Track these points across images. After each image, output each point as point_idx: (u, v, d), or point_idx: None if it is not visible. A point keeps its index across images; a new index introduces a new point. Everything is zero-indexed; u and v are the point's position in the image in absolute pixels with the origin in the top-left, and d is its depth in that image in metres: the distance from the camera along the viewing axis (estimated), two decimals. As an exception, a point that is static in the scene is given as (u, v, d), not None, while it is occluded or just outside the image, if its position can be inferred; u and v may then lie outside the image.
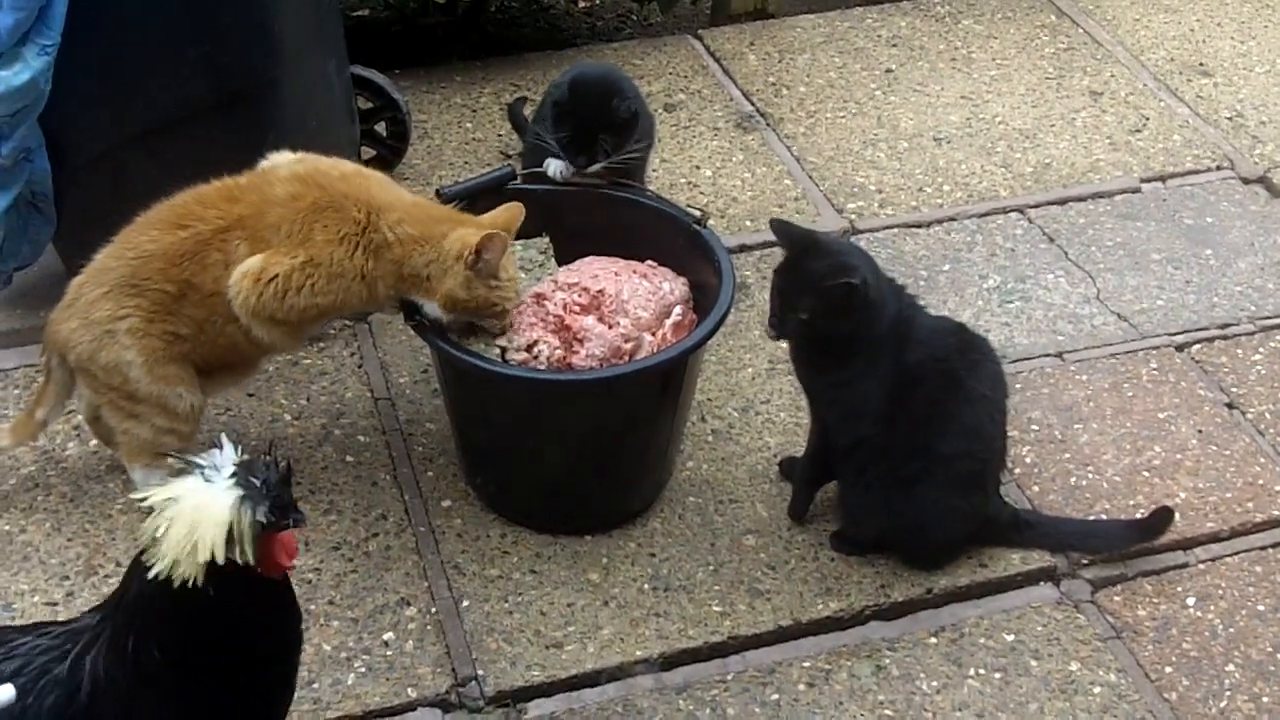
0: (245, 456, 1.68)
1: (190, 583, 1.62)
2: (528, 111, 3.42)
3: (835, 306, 2.31)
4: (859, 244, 3.20)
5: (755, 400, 2.84)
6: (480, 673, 2.31)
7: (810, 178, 3.46)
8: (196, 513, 1.62)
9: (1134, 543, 2.55)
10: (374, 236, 2.35)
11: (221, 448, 1.68)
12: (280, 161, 2.46)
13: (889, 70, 3.87)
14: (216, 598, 1.64)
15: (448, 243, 2.35)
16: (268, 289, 2.31)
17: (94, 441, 2.63)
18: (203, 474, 1.65)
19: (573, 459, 2.52)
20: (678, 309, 2.53)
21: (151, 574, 1.64)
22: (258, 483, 1.64)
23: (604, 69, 3.02)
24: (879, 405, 2.39)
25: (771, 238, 2.46)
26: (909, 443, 2.41)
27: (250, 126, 2.72)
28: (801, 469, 2.60)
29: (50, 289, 2.95)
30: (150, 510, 1.65)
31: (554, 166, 2.64)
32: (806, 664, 2.37)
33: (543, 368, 2.40)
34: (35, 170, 2.64)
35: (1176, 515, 2.54)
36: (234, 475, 1.64)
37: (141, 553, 1.67)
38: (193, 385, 2.42)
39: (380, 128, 3.34)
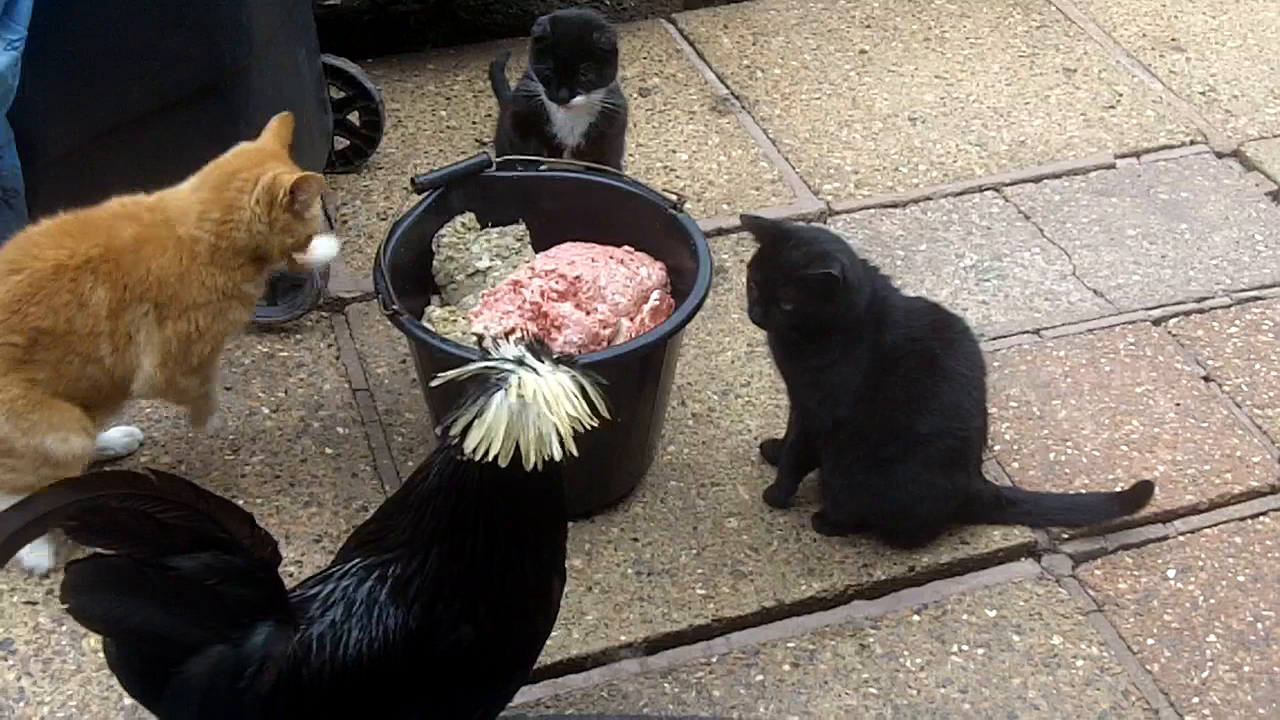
0: (517, 345, 1.75)
1: (538, 464, 1.71)
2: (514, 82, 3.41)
3: (817, 295, 2.31)
4: (835, 226, 3.23)
5: (735, 383, 2.84)
6: (465, 661, 2.31)
7: (786, 160, 3.46)
8: (547, 399, 1.69)
9: (1116, 515, 2.56)
10: (197, 249, 2.30)
11: (497, 345, 1.76)
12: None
13: (863, 51, 3.87)
14: (543, 477, 1.74)
15: (246, 196, 2.27)
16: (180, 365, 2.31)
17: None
18: (516, 371, 1.71)
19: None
20: (655, 294, 2.53)
21: (471, 452, 1.71)
22: (553, 358, 1.74)
23: (585, 9, 3.07)
24: (857, 387, 2.39)
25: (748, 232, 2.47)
26: (888, 423, 2.41)
27: (221, 118, 2.70)
28: (785, 457, 2.60)
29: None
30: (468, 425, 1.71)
31: (580, 99, 2.74)
32: (791, 644, 2.38)
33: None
34: (4, 166, 2.61)
35: (1156, 488, 2.55)
36: (536, 360, 1.73)
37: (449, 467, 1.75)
38: (75, 425, 2.29)
39: (353, 117, 3.33)
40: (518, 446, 1.71)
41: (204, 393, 2.45)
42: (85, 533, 1.72)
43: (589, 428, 1.72)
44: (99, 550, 1.74)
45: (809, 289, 2.31)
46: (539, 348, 1.76)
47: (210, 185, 2.33)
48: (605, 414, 1.74)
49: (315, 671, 1.77)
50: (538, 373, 1.72)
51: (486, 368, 1.73)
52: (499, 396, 1.71)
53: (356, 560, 1.84)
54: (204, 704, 1.75)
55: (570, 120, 2.83)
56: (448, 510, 1.78)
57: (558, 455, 1.71)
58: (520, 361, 1.73)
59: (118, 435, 2.59)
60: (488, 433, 1.71)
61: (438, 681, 1.82)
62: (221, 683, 1.74)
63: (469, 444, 1.72)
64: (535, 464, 1.71)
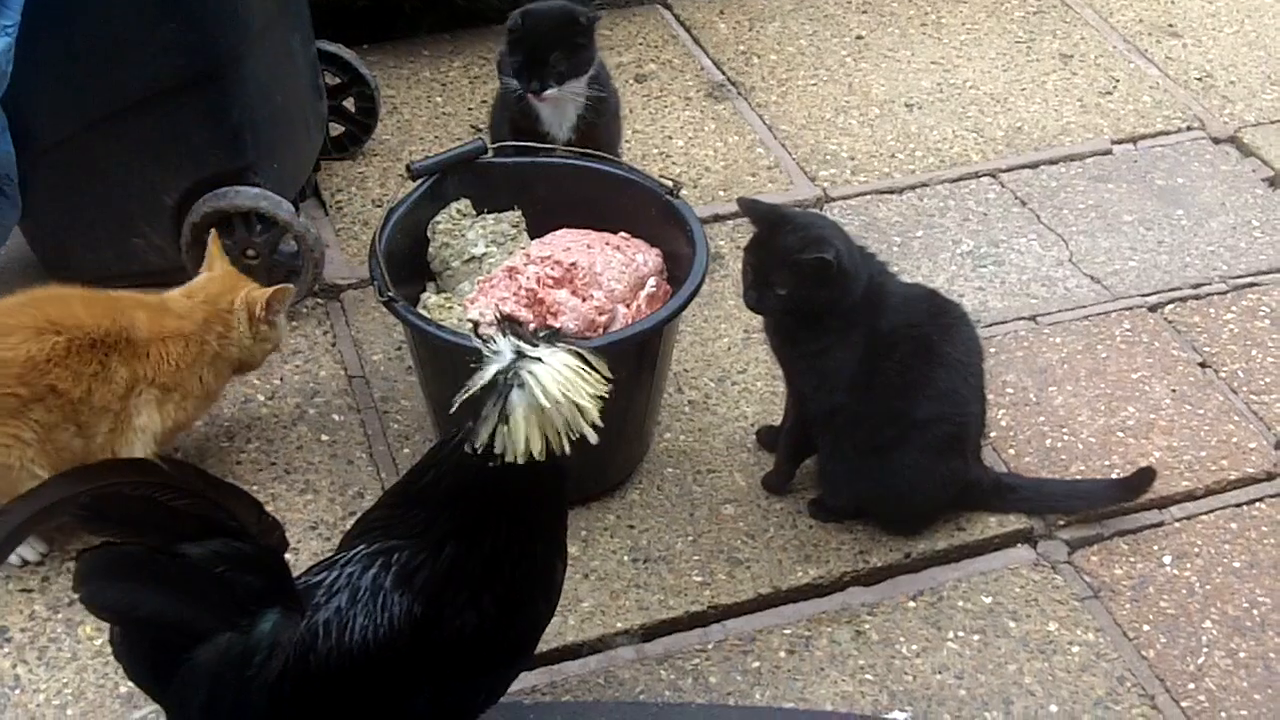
0: (505, 337, 1.74)
1: (542, 453, 1.72)
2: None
3: (812, 280, 2.31)
4: (831, 212, 3.23)
5: (731, 370, 2.84)
6: (461, 648, 2.31)
7: (783, 146, 3.46)
8: (564, 384, 1.69)
9: (1117, 501, 2.56)
10: (205, 349, 2.46)
11: (494, 339, 1.74)
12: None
13: (859, 37, 3.86)
14: (547, 469, 1.75)
15: (234, 315, 2.47)
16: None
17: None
18: (517, 362, 1.71)
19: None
20: (651, 280, 2.52)
21: (510, 457, 1.71)
22: (540, 337, 1.74)
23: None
24: (852, 373, 2.39)
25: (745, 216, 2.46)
26: (885, 409, 2.41)
27: (215, 105, 2.70)
28: (782, 444, 2.60)
29: (18, 272, 2.95)
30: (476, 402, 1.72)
31: (551, 90, 2.72)
32: (787, 631, 2.38)
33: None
34: None
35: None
36: (529, 346, 1.72)
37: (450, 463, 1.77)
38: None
39: (349, 104, 3.32)
40: (547, 440, 1.72)
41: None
42: (97, 521, 1.72)
43: (606, 396, 1.74)
44: (108, 539, 1.74)
45: (803, 274, 2.30)
46: (521, 331, 1.75)
47: (206, 298, 2.50)
48: (608, 376, 1.75)
49: (322, 658, 1.78)
50: (540, 359, 1.71)
51: (496, 375, 1.71)
52: (517, 395, 1.70)
53: (361, 547, 1.84)
54: (212, 691, 1.76)
55: (556, 113, 2.80)
56: (469, 510, 1.79)
57: (591, 436, 1.73)
58: (519, 354, 1.72)
59: None
60: (519, 434, 1.71)
61: (443, 666, 1.82)
62: (230, 670, 1.75)
63: (501, 447, 1.71)
64: (564, 449, 1.73)
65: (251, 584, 1.76)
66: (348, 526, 2.44)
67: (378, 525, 1.87)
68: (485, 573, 1.80)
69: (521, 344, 1.73)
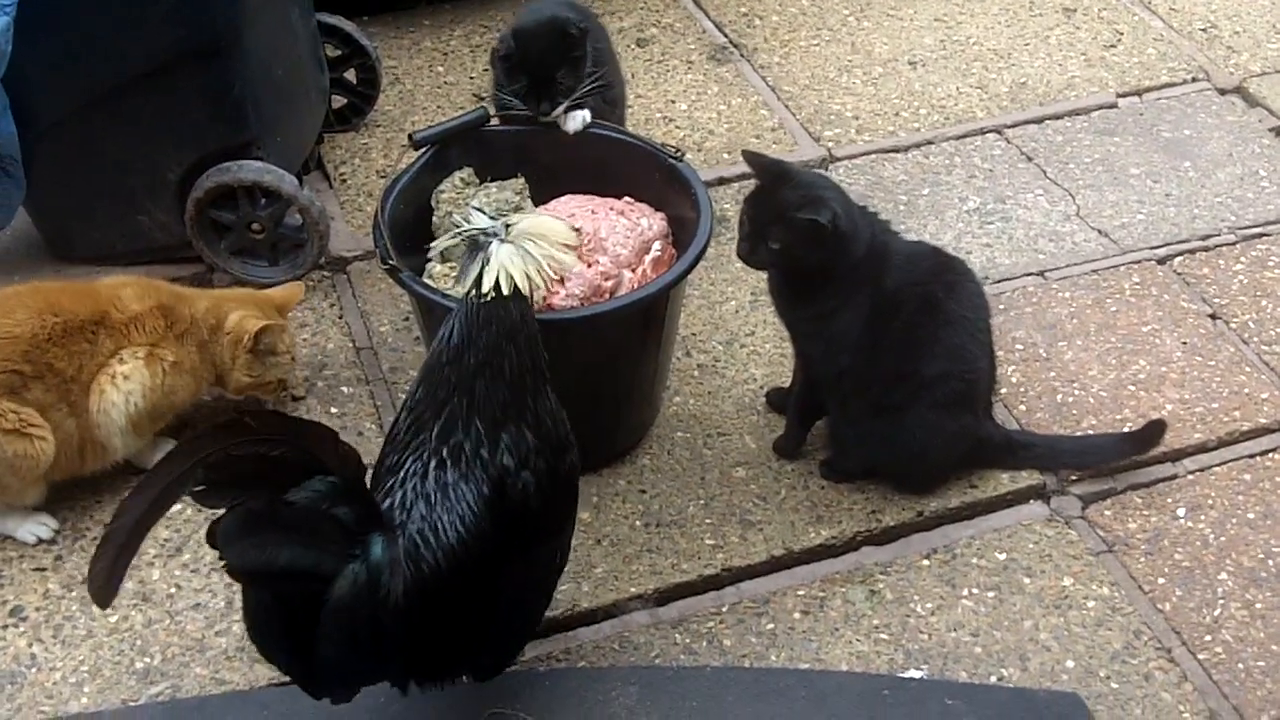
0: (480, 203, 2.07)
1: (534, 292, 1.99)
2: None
3: (805, 239, 2.30)
4: (837, 172, 3.21)
5: (739, 333, 2.83)
6: (475, 616, 2.31)
7: (786, 107, 3.44)
8: (539, 230, 1.99)
9: (1129, 455, 2.55)
10: (197, 332, 2.50)
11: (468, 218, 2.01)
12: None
13: (860, -5, 3.84)
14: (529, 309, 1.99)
15: (228, 329, 2.52)
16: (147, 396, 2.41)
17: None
18: (493, 224, 1.98)
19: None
20: (657, 244, 2.51)
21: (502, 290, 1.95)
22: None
23: (540, 10, 2.76)
24: (859, 335, 2.38)
25: (749, 170, 2.45)
26: (893, 369, 2.40)
27: (216, 80, 2.69)
28: (791, 407, 2.59)
29: (23, 252, 2.95)
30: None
31: (578, 118, 2.61)
32: (801, 592, 2.38)
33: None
34: (1, 133, 2.61)
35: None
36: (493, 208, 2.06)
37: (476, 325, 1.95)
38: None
39: (350, 75, 3.31)
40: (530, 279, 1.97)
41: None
42: (213, 493, 1.77)
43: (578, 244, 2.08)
44: (231, 502, 1.77)
45: (797, 232, 2.29)
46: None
47: (220, 296, 2.60)
48: (574, 227, 2.08)
49: (432, 563, 1.88)
50: (513, 223, 1.98)
51: (475, 231, 1.98)
52: (495, 244, 1.96)
53: (410, 459, 1.95)
54: (350, 626, 1.83)
55: (567, 117, 2.72)
56: (482, 349, 1.95)
57: (568, 266, 2.04)
58: (495, 219, 1.99)
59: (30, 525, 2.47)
60: (502, 271, 1.94)
61: (521, 533, 1.96)
62: (363, 598, 1.83)
63: (489, 285, 1.94)
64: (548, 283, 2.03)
65: (352, 515, 1.85)
66: (359, 498, 2.47)
67: (408, 432, 1.98)
68: (515, 401, 1.95)
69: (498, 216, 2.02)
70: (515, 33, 2.60)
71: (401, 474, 1.95)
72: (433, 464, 1.93)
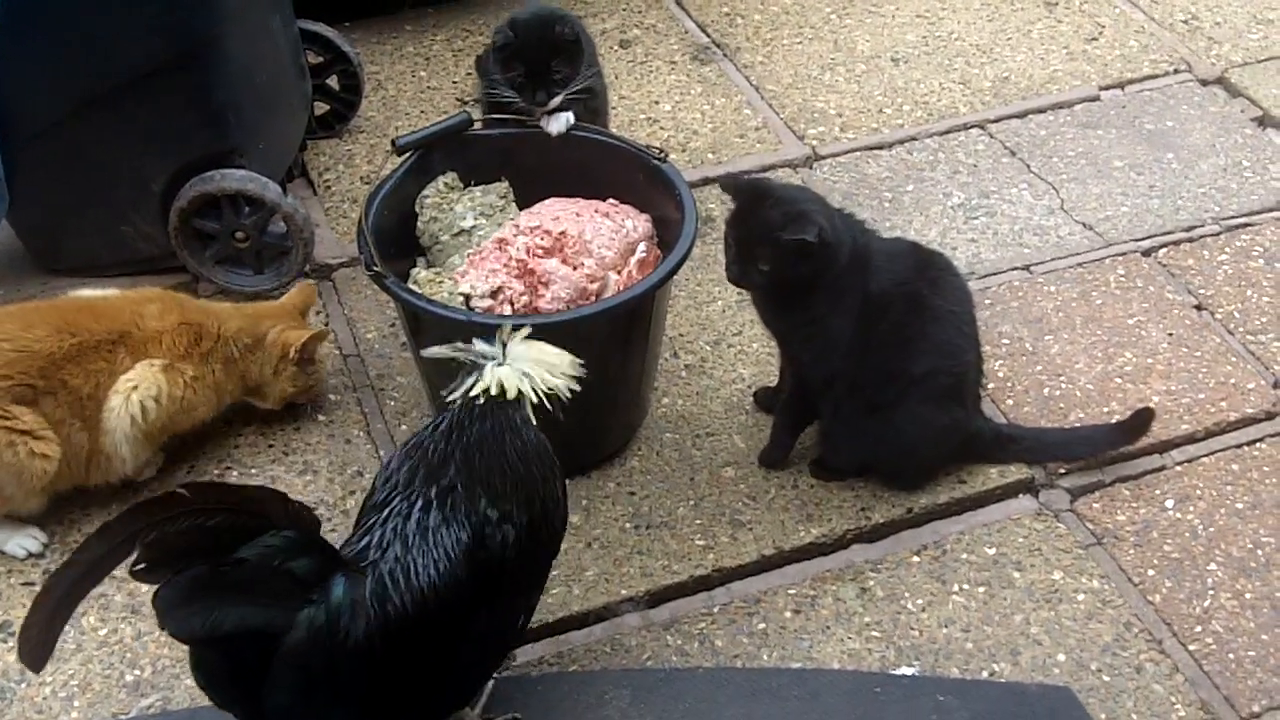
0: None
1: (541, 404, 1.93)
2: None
3: (794, 257, 2.30)
4: (821, 170, 3.21)
5: (727, 333, 2.83)
6: (467, 621, 2.31)
7: (770, 106, 3.44)
8: (541, 358, 1.95)
9: (1118, 445, 2.55)
10: (226, 350, 2.51)
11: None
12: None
13: (842, -7, 3.84)
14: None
15: (269, 345, 2.54)
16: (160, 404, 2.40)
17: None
18: (496, 350, 1.94)
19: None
20: (642, 246, 2.51)
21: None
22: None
23: (537, 3, 2.93)
24: (849, 339, 2.38)
25: (734, 169, 2.45)
26: (883, 369, 2.41)
27: (197, 88, 2.69)
28: (779, 417, 2.58)
29: (8, 264, 2.94)
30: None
31: (562, 120, 2.61)
32: (792, 591, 2.38)
33: (508, 313, 2.39)
34: (-17, 145, 2.61)
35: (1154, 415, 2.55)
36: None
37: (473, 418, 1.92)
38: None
39: (333, 81, 3.31)
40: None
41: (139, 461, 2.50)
42: (151, 569, 1.74)
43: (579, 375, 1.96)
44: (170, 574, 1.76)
45: (785, 252, 2.29)
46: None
47: (254, 313, 2.60)
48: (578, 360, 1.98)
49: (399, 604, 1.86)
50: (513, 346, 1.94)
51: (475, 355, 1.93)
52: (493, 366, 1.92)
53: (397, 499, 1.93)
54: (307, 665, 1.80)
55: (551, 119, 2.73)
56: (473, 427, 1.92)
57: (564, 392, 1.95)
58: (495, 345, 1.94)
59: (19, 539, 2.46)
60: (498, 379, 1.91)
61: (493, 584, 1.92)
62: (319, 642, 1.81)
63: (484, 386, 1.91)
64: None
65: (309, 565, 1.82)
66: (348, 506, 2.48)
67: (397, 487, 1.95)
68: (499, 475, 1.91)
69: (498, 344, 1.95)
70: (513, 22, 2.63)
71: (386, 512, 1.92)
72: (418, 505, 1.91)
